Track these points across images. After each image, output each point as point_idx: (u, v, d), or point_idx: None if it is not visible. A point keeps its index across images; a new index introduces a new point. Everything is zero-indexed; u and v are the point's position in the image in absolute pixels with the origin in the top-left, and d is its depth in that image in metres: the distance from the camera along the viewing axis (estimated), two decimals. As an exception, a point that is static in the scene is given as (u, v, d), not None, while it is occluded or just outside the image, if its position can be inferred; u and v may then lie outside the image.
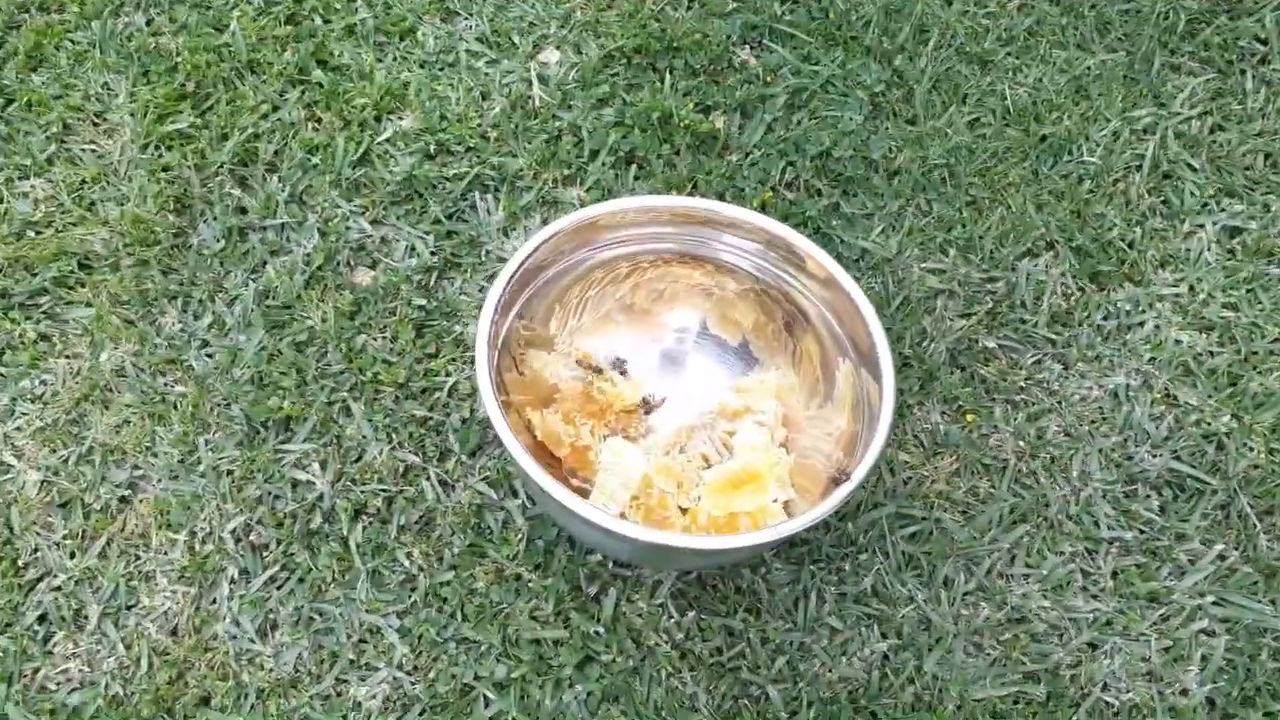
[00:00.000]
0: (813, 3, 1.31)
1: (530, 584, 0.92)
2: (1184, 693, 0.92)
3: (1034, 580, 0.97)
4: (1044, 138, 1.23)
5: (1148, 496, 1.02)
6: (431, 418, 1.00)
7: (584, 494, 0.92)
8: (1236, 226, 1.18)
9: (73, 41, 1.22)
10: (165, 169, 1.11)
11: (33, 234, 1.07)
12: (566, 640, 0.90)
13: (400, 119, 1.18)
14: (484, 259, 1.09)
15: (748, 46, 1.27)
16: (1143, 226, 1.17)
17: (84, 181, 1.11)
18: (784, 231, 0.94)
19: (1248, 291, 1.14)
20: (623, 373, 0.99)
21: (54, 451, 0.95)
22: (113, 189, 1.11)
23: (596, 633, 0.90)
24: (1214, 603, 0.97)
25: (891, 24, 1.30)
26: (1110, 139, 1.23)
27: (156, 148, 1.13)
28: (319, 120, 1.18)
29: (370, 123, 1.17)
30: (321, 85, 1.19)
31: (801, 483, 0.93)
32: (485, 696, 0.87)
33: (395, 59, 1.23)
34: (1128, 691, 0.92)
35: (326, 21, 1.25)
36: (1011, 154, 1.21)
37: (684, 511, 0.93)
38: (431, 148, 1.15)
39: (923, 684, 0.91)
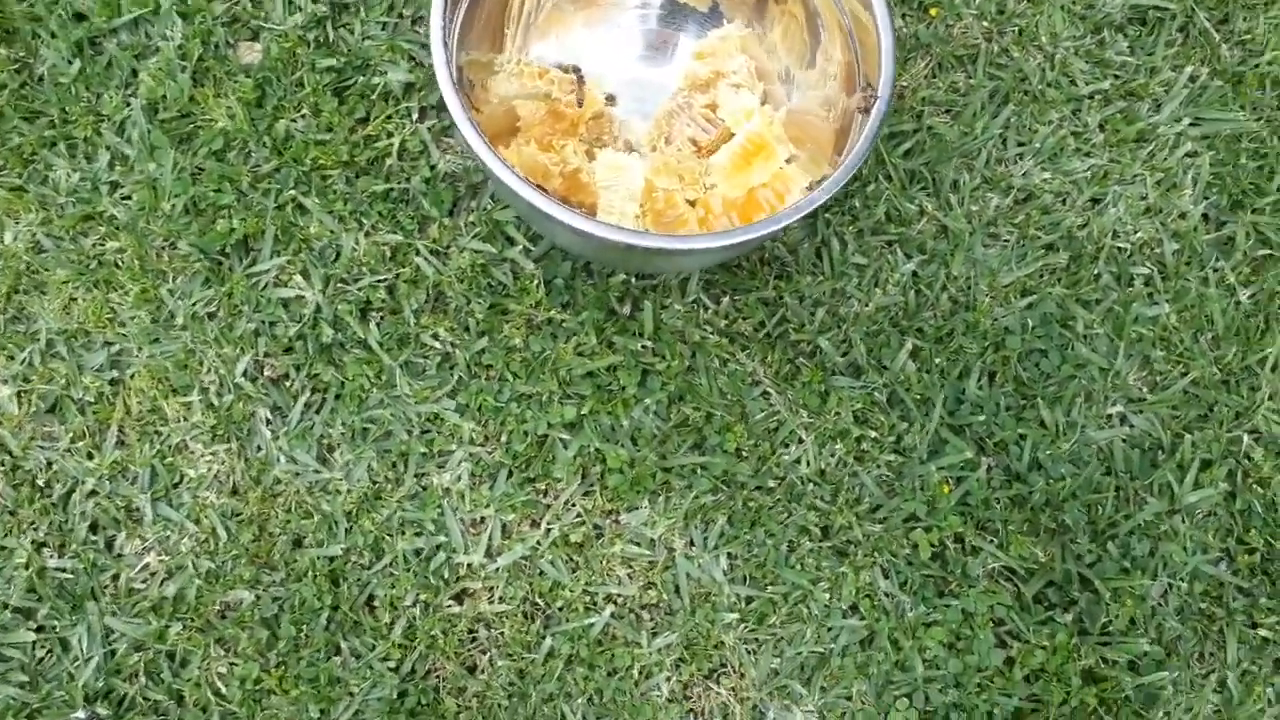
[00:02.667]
0: None
1: (565, 324, 0.89)
2: (1182, 216, 0.97)
3: (1029, 156, 0.97)
4: None
5: (1115, 40, 1.01)
6: (393, 189, 0.90)
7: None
8: None
9: None
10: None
11: None
12: (619, 364, 0.89)
13: None
14: (372, -10, 0.94)
15: None
16: None
17: None
18: None
19: None
20: (580, 77, 0.90)
21: (11, 358, 0.84)
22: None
23: (644, 347, 0.89)
24: (1192, 124, 1.00)
25: None
26: None
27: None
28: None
29: None
30: None
31: (802, 139, 0.89)
32: (561, 440, 0.88)
33: None
34: (1135, 232, 0.97)
35: None
36: None
37: (692, 204, 0.89)
38: None
39: (955, 288, 0.94)
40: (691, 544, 0.86)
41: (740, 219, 0.86)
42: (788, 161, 0.86)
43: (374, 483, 0.85)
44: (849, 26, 0.84)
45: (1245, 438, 0.91)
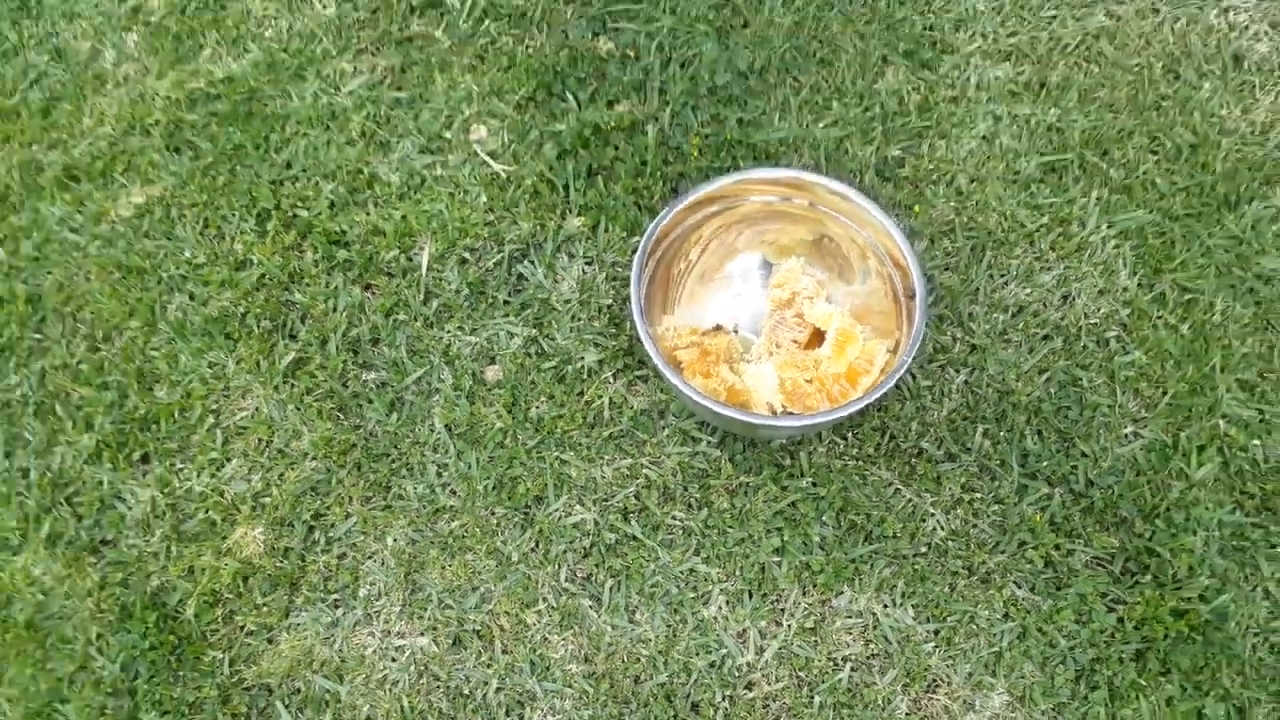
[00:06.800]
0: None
1: (751, 483, 1.32)
2: (1125, 289, 1.42)
3: (1012, 282, 1.43)
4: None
5: (1040, 189, 1.48)
6: (613, 430, 1.34)
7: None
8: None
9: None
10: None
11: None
12: (797, 499, 1.30)
13: (422, 249, 1.43)
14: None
15: (600, 37, 1.55)
16: None
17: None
18: (794, 173, 1.30)
19: None
20: (719, 329, 1.36)
21: (418, 615, 1.26)
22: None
23: (809, 483, 1.31)
24: (1109, 227, 1.46)
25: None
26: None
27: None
28: (371, 288, 1.42)
29: (402, 262, 1.42)
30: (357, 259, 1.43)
31: (866, 317, 1.34)
32: (775, 562, 1.28)
33: (377, 205, 1.46)
34: (1099, 310, 1.41)
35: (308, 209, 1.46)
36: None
37: (809, 381, 1.33)
38: (465, 253, 1.42)
39: (995, 383, 1.37)
40: (885, 606, 1.26)
41: (849, 382, 1.30)
42: (863, 339, 1.31)
43: (668, 626, 1.26)
44: (881, 251, 1.30)
45: (1220, 423, 1.33)
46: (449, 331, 1.39)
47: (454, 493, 1.31)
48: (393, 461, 1.33)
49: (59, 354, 1.42)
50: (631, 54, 1.53)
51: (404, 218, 1.44)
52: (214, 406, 1.38)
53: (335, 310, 1.41)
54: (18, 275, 1.47)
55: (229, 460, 1.35)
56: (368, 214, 1.45)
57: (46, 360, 1.42)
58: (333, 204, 1.47)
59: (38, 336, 1.44)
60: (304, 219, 1.46)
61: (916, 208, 1.45)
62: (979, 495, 1.30)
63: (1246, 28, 1.57)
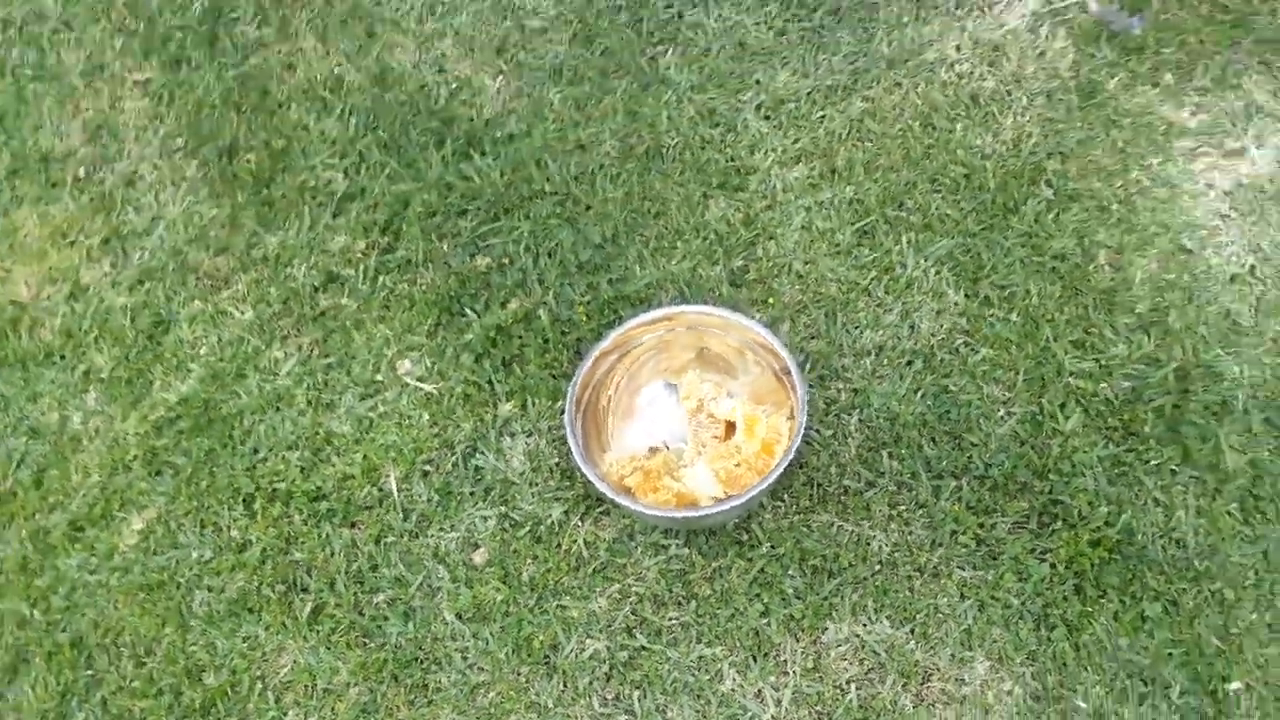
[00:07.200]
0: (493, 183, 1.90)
1: (724, 563, 1.53)
2: (957, 303, 1.70)
3: (868, 331, 1.70)
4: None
5: (859, 249, 1.78)
6: (597, 564, 1.56)
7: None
8: None
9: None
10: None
11: None
12: (765, 564, 1.52)
13: (388, 477, 1.66)
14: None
15: (477, 257, 1.85)
16: None
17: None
18: (664, 310, 1.58)
19: None
20: (654, 449, 1.61)
21: None
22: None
23: (769, 546, 1.53)
24: (926, 258, 1.75)
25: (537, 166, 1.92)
26: None
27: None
28: (356, 525, 1.64)
29: (375, 494, 1.65)
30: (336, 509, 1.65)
31: (763, 398, 1.59)
32: (764, 628, 1.49)
33: (340, 455, 1.69)
34: (943, 328, 1.69)
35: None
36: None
37: (738, 465, 1.57)
38: (425, 467, 1.65)
39: (875, 416, 1.63)
40: (865, 625, 1.47)
41: (767, 454, 1.54)
42: (766, 414, 1.56)
43: (697, 711, 1.44)
44: (753, 344, 1.57)
45: (1070, 380, 1.60)
46: (433, 536, 1.61)
47: (481, 669, 1.50)
48: (422, 663, 1.52)
49: (112, 680, 1.60)
50: (506, 261, 1.82)
51: (365, 457, 1.68)
52: (258, 673, 1.56)
53: (333, 555, 1.62)
54: (57, 628, 1.66)
55: (285, 714, 1.53)
56: (334, 466, 1.69)
57: (103, 690, 1.60)
58: (303, 469, 1.70)
59: (89, 672, 1.62)
60: (283, 489, 1.69)
61: (770, 300, 1.74)
62: (904, 507, 1.54)
63: (972, 73, 1.92)
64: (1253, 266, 1.66)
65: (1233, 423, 1.53)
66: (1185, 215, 1.73)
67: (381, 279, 1.82)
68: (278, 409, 1.76)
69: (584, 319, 1.74)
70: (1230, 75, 1.85)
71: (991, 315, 1.68)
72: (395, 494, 1.65)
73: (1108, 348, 1.62)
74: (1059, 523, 1.50)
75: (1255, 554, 1.44)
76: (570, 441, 1.50)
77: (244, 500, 1.70)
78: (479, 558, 1.60)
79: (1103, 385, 1.60)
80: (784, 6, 2.01)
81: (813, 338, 1.70)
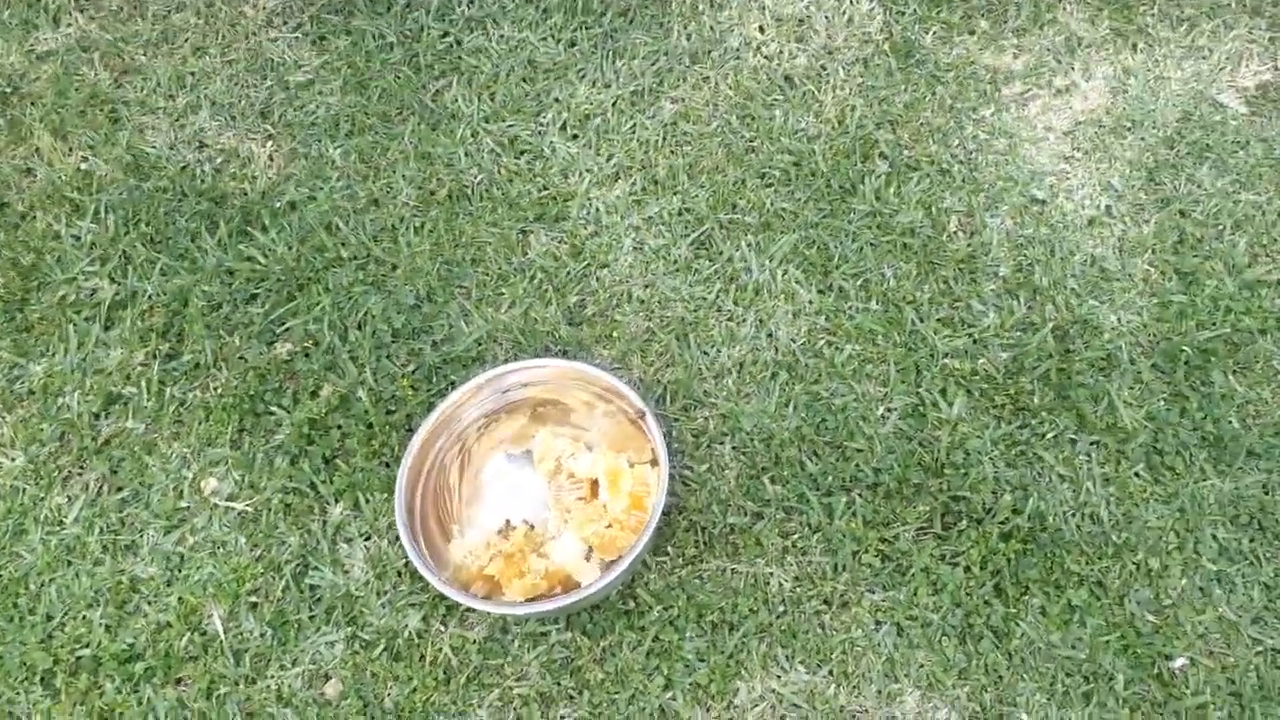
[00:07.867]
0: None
1: (615, 636, 1.35)
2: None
3: (725, 376, 1.55)
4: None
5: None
6: (469, 671, 1.35)
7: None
8: None
9: None
10: None
11: None
12: (657, 630, 1.34)
13: (211, 616, 1.41)
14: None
15: (275, 345, 1.61)
16: None
17: None
18: (486, 375, 1.38)
19: None
20: (511, 526, 1.41)
21: None
22: None
23: (664, 608, 1.35)
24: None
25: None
26: None
27: None
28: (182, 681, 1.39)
29: (199, 640, 1.40)
30: None
31: (624, 446, 1.41)
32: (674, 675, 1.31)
33: (150, 603, 1.44)
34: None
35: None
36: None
37: (609, 527, 1.38)
38: (251, 598, 1.41)
39: (748, 442, 1.47)
40: (778, 677, 1.30)
41: (638, 509, 1.36)
42: (631, 465, 1.39)
43: None
44: (598, 390, 1.39)
45: (944, 362, 1.48)
46: (273, 676, 1.37)
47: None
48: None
49: None
50: (311, 344, 1.59)
51: (180, 600, 1.43)
52: None
53: (160, 722, 1.37)
54: None
55: None
56: (145, 616, 1.43)
57: None
58: (108, 627, 1.43)
59: None
60: (88, 656, 1.42)
61: (615, 333, 1.56)
62: (797, 535, 1.38)
63: (780, 53, 1.80)
64: (1108, 206, 1.58)
65: (1121, 375, 1.43)
66: (1029, 164, 1.64)
67: (169, 391, 1.57)
68: (69, 563, 1.49)
69: (410, 393, 1.53)
70: (1045, 11, 1.78)
71: (850, 307, 1.55)
72: (222, 636, 1.40)
73: (978, 320, 1.51)
74: (964, 521, 1.37)
75: (1171, 514, 1.34)
76: (409, 551, 1.29)
77: (41, 678, 1.42)
78: (331, 690, 1.36)
79: (980, 361, 1.48)
80: (569, 16, 1.85)
81: (668, 366, 1.54)
